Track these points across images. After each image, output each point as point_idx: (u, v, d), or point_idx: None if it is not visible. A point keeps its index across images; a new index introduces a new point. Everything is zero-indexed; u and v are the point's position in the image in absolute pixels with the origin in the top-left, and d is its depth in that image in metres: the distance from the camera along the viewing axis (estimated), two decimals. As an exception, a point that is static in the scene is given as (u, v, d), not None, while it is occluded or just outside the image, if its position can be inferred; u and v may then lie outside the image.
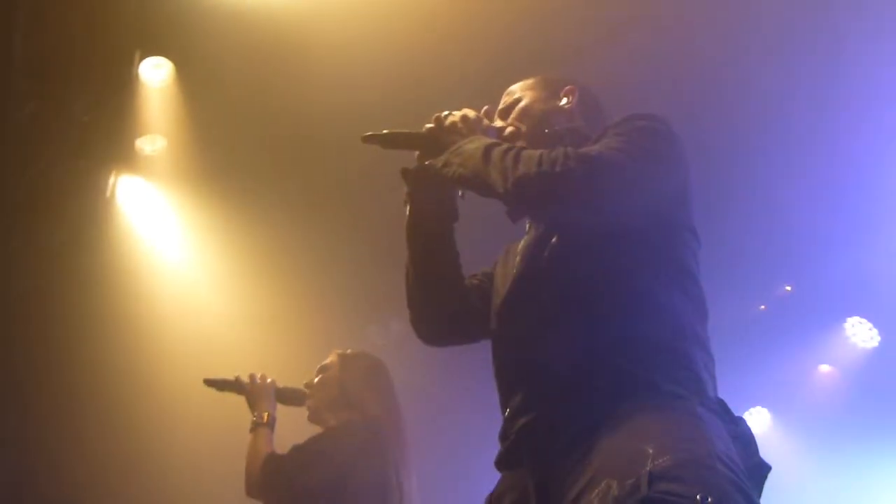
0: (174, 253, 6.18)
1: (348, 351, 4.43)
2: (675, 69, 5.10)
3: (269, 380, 4.32)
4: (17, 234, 5.39)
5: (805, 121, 5.44)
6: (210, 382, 4.36)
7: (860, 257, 6.33)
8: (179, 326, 6.13)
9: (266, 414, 4.18)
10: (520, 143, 2.50)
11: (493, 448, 2.36)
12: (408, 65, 4.96)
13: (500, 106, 2.75)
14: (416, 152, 2.59)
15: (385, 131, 2.57)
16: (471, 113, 2.56)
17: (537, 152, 2.25)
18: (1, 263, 5.43)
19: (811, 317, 6.95)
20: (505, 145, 2.36)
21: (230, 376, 4.34)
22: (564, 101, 2.71)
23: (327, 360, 4.38)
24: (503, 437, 2.32)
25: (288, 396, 4.36)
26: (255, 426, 4.17)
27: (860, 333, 7.20)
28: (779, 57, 5.14)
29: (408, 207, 2.67)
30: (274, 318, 6.26)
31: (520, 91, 2.75)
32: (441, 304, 2.69)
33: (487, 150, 2.33)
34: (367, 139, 2.57)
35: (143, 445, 6.23)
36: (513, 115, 2.69)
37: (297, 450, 4.12)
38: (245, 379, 4.30)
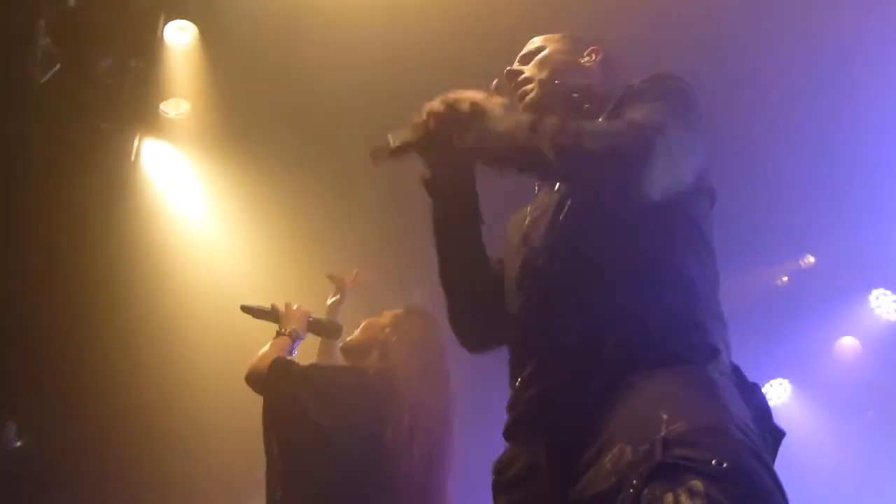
0: (198, 216, 6.20)
1: (401, 311, 4.31)
2: (702, 38, 5.04)
3: (304, 309, 4.30)
4: (41, 198, 5.42)
5: (830, 91, 5.39)
6: (246, 309, 4.34)
7: (886, 229, 6.28)
8: (203, 289, 6.16)
9: (291, 329, 4.16)
10: (532, 87, 2.55)
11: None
12: (433, 24, 4.93)
13: (522, 52, 2.74)
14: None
15: (389, 146, 2.43)
16: (467, 101, 2.36)
17: (593, 125, 2.23)
18: (25, 226, 5.47)
19: (835, 289, 6.91)
20: (554, 119, 2.22)
21: (266, 305, 4.31)
22: (587, 59, 2.69)
23: (379, 318, 4.27)
24: (512, 406, 2.31)
25: (322, 327, 4.36)
26: (277, 335, 4.15)
27: (884, 305, 7.16)
28: (805, 29, 5.09)
29: (431, 215, 2.60)
30: (297, 283, 6.26)
31: (543, 41, 2.73)
32: (480, 308, 2.62)
33: (532, 126, 2.21)
34: (374, 158, 2.45)
35: (169, 407, 6.27)
36: (532, 63, 2.68)
37: (314, 368, 4.11)
38: (280, 307, 4.28)
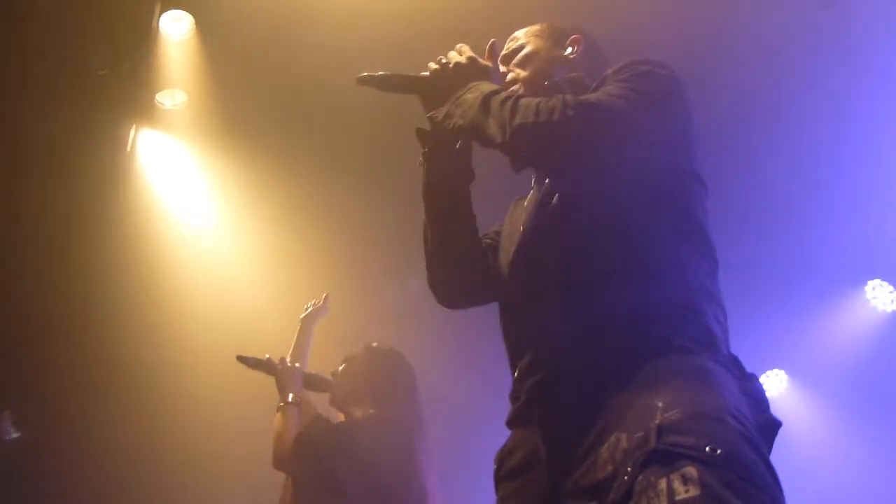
0: (195, 207, 6.20)
1: (374, 344, 4.56)
2: (701, 21, 5.03)
3: (297, 364, 4.50)
4: (37, 189, 5.41)
5: (826, 79, 5.38)
6: (242, 359, 4.50)
7: (882, 219, 6.28)
8: (199, 280, 6.16)
9: (293, 395, 4.32)
10: (518, 90, 2.49)
11: (507, 406, 2.35)
12: (429, 13, 4.91)
13: (504, 51, 2.72)
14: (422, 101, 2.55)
15: (381, 73, 2.52)
16: (464, 56, 2.50)
17: (535, 100, 2.21)
18: (22, 219, 5.46)
19: (831, 279, 6.90)
20: (503, 94, 2.31)
21: (262, 356, 4.48)
22: (569, 50, 2.67)
23: (354, 352, 4.54)
24: (513, 397, 2.32)
25: (314, 383, 4.52)
26: (284, 406, 4.30)
27: (881, 296, 7.15)
28: (805, 11, 5.09)
29: (423, 169, 2.63)
30: (293, 275, 6.27)
31: (524, 37, 2.72)
32: (458, 266, 2.65)
33: (485, 99, 2.30)
34: (361, 81, 2.52)
35: (166, 401, 6.26)
36: (515, 62, 2.66)
37: (329, 432, 4.28)
38: (276, 361, 4.45)
